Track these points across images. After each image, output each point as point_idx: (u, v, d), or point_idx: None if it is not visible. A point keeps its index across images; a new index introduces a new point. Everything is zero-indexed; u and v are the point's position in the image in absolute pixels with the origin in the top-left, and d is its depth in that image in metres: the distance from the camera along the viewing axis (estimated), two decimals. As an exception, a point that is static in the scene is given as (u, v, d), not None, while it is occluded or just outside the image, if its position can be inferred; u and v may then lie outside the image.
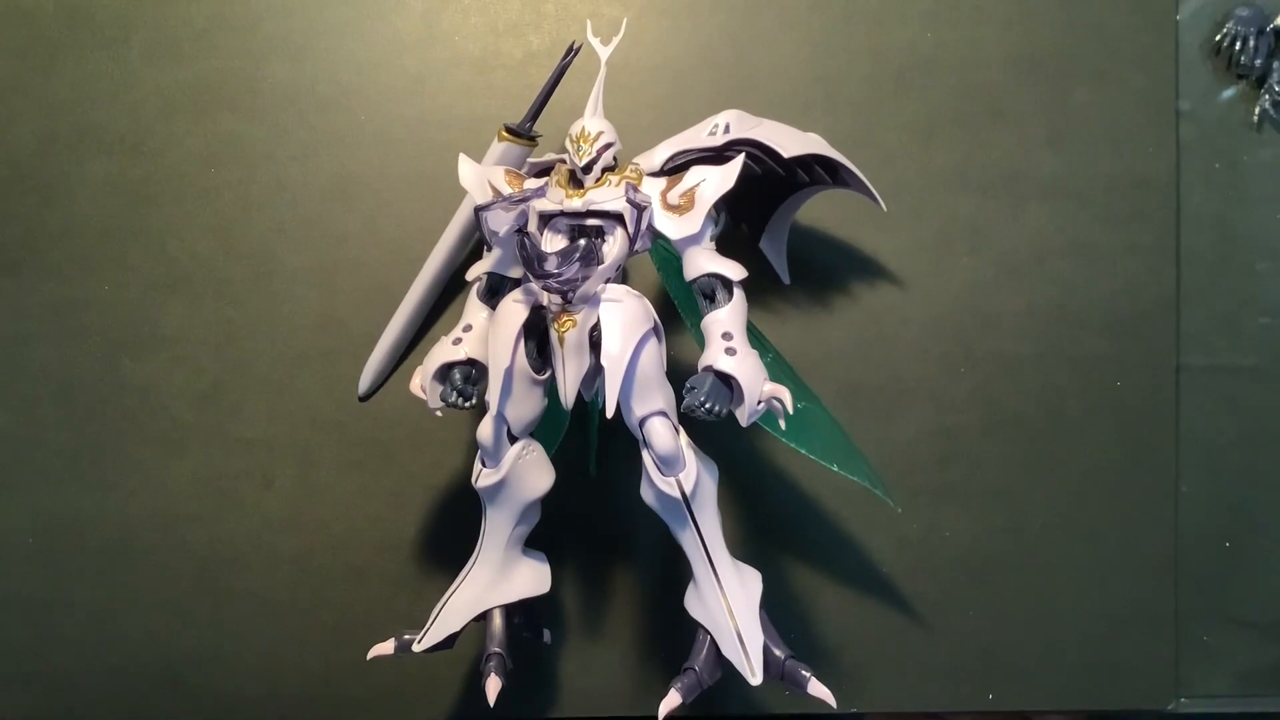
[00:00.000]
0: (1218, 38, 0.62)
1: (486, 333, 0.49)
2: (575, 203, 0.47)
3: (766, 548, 0.60)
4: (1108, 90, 0.62)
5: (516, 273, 0.50)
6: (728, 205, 0.50)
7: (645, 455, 0.47)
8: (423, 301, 0.60)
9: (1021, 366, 0.62)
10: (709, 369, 0.46)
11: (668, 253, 0.52)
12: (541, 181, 0.49)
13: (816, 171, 0.53)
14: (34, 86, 0.62)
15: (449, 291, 0.61)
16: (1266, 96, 0.62)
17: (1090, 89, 0.62)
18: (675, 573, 0.54)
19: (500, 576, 0.51)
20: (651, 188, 0.48)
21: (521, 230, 0.48)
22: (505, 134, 0.55)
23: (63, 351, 0.61)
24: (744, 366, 0.46)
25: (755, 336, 0.51)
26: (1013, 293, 0.62)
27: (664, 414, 0.47)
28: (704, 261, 0.47)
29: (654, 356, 0.47)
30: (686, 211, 0.47)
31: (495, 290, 0.51)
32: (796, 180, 0.54)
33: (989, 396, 0.61)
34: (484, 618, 0.52)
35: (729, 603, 0.49)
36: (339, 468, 0.61)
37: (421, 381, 0.50)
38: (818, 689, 0.49)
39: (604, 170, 0.47)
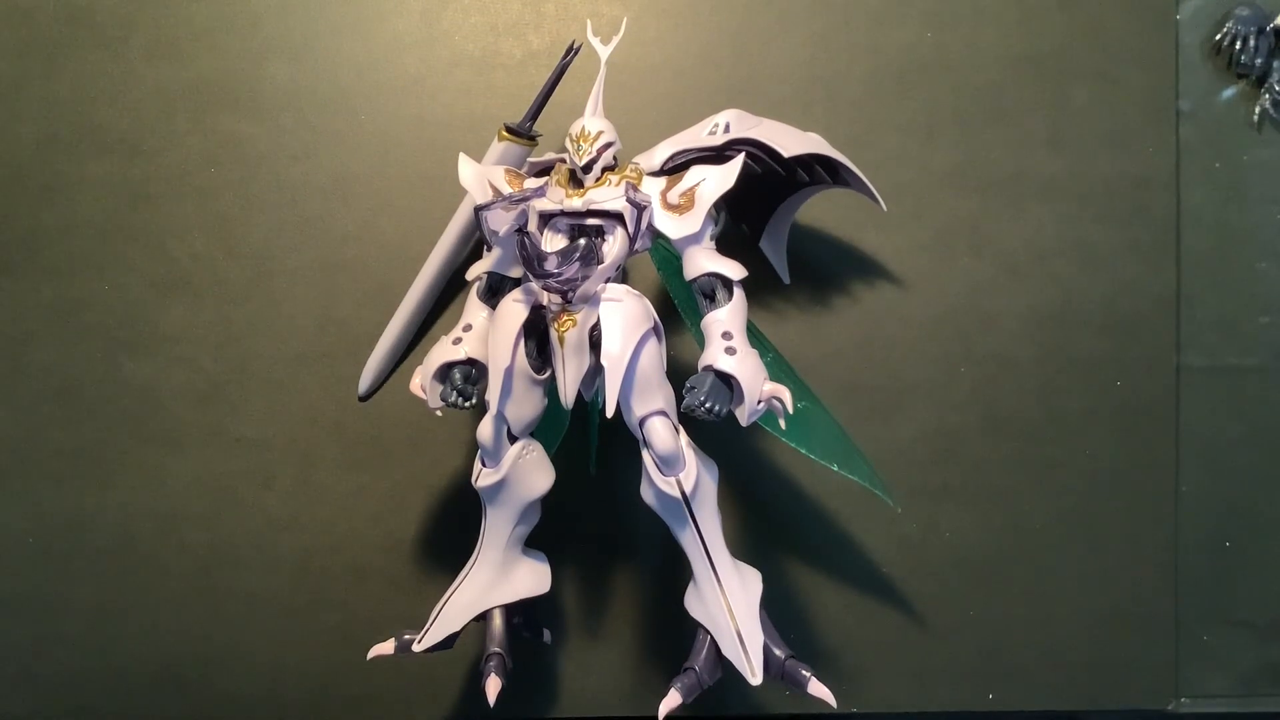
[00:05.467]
0: (1218, 38, 0.62)
1: (486, 332, 0.49)
2: (575, 202, 0.47)
3: (766, 548, 0.60)
4: (1108, 90, 0.62)
5: (516, 272, 0.50)
6: (728, 205, 0.50)
7: (645, 455, 0.47)
8: (423, 301, 0.60)
9: (1021, 366, 0.62)
10: (709, 369, 0.46)
11: (668, 252, 0.52)
12: (541, 181, 0.49)
13: (816, 171, 0.53)
14: (34, 86, 0.62)
15: (449, 291, 0.61)
16: (1266, 96, 0.62)
17: (1090, 89, 0.62)
18: (675, 573, 0.54)
19: (500, 576, 0.51)
20: (651, 187, 0.48)
21: (521, 230, 0.48)
22: (505, 133, 0.55)
23: (63, 351, 0.61)
24: (744, 366, 0.46)
25: (755, 336, 0.51)
26: (1013, 293, 0.62)
27: (664, 414, 0.47)
28: (704, 261, 0.47)
29: (654, 356, 0.47)
30: (686, 211, 0.47)
31: (495, 290, 0.51)
32: (796, 180, 0.54)
33: (989, 396, 0.61)
34: (484, 618, 0.52)
35: (729, 603, 0.49)
36: (339, 468, 0.61)
37: (421, 381, 0.50)
38: (818, 689, 0.49)
39: (604, 170, 0.47)
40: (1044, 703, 0.62)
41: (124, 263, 0.61)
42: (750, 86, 0.61)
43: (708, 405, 0.45)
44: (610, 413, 0.45)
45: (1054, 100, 0.62)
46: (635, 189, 0.47)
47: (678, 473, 0.47)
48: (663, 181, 0.48)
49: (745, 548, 0.60)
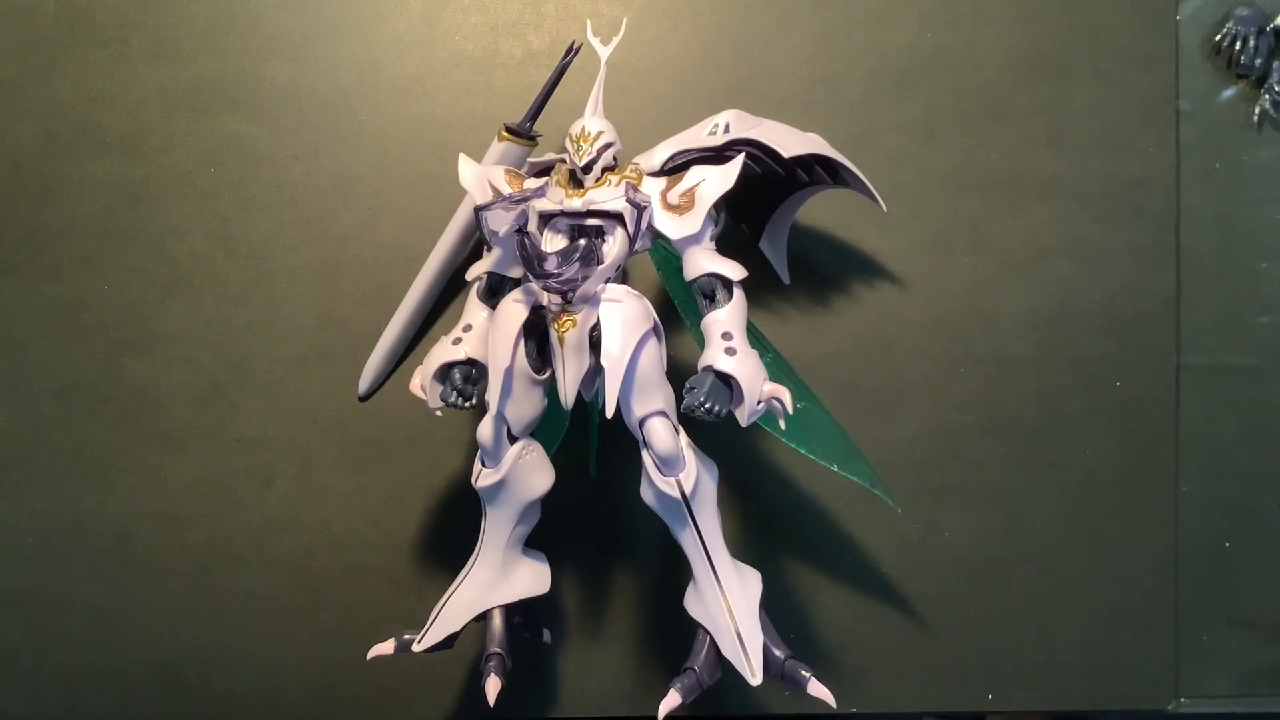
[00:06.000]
0: (1218, 38, 0.62)
1: (486, 333, 0.49)
2: (575, 202, 0.47)
3: (766, 548, 0.60)
4: (1108, 90, 0.62)
5: (516, 272, 0.50)
6: (728, 205, 0.50)
7: (645, 455, 0.47)
8: (423, 301, 0.60)
9: (1021, 366, 0.62)
10: (709, 369, 0.46)
11: (668, 252, 0.52)
12: (541, 181, 0.49)
13: (816, 171, 0.53)
14: (34, 86, 0.62)
15: (449, 291, 0.61)
16: (1266, 96, 0.62)
17: (1090, 89, 0.62)
18: (675, 573, 0.54)
19: (500, 576, 0.51)
20: (651, 187, 0.48)
21: (521, 230, 0.47)
22: (505, 134, 0.55)
23: (63, 351, 0.61)
24: (744, 366, 0.46)
25: (755, 336, 0.51)
26: (1013, 293, 0.62)
27: (664, 414, 0.47)
28: (704, 261, 0.47)
29: (654, 356, 0.47)
30: (686, 211, 0.47)
31: (495, 290, 0.51)
32: (796, 180, 0.54)
33: (989, 396, 0.61)
34: (484, 618, 0.52)
35: (729, 603, 0.49)
36: (339, 468, 0.61)
37: (421, 381, 0.50)
38: (817, 689, 0.49)
39: (604, 170, 0.47)
40: (1044, 703, 0.62)
41: (124, 263, 0.61)
42: (750, 86, 0.61)
43: (708, 405, 0.45)
44: (610, 413, 0.45)
45: (1054, 100, 0.62)
46: (635, 189, 0.47)
47: (677, 473, 0.47)
48: (663, 182, 0.48)
49: (745, 548, 0.60)
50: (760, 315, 0.59)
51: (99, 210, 0.61)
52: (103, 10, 0.62)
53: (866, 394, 0.61)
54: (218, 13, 0.62)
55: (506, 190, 0.48)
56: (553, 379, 0.48)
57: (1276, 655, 0.62)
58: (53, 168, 0.61)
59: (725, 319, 0.47)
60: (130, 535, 0.61)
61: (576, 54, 0.54)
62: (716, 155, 0.50)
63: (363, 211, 0.61)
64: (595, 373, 0.47)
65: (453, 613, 0.51)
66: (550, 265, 0.45)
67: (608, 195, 0.46)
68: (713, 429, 0.47)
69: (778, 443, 0.52)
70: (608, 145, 0.47)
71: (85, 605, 0.61)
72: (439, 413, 0.50)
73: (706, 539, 0.48)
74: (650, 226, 0.47)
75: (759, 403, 0.46)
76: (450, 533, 0.60)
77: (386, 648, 0.52)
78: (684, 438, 0.48)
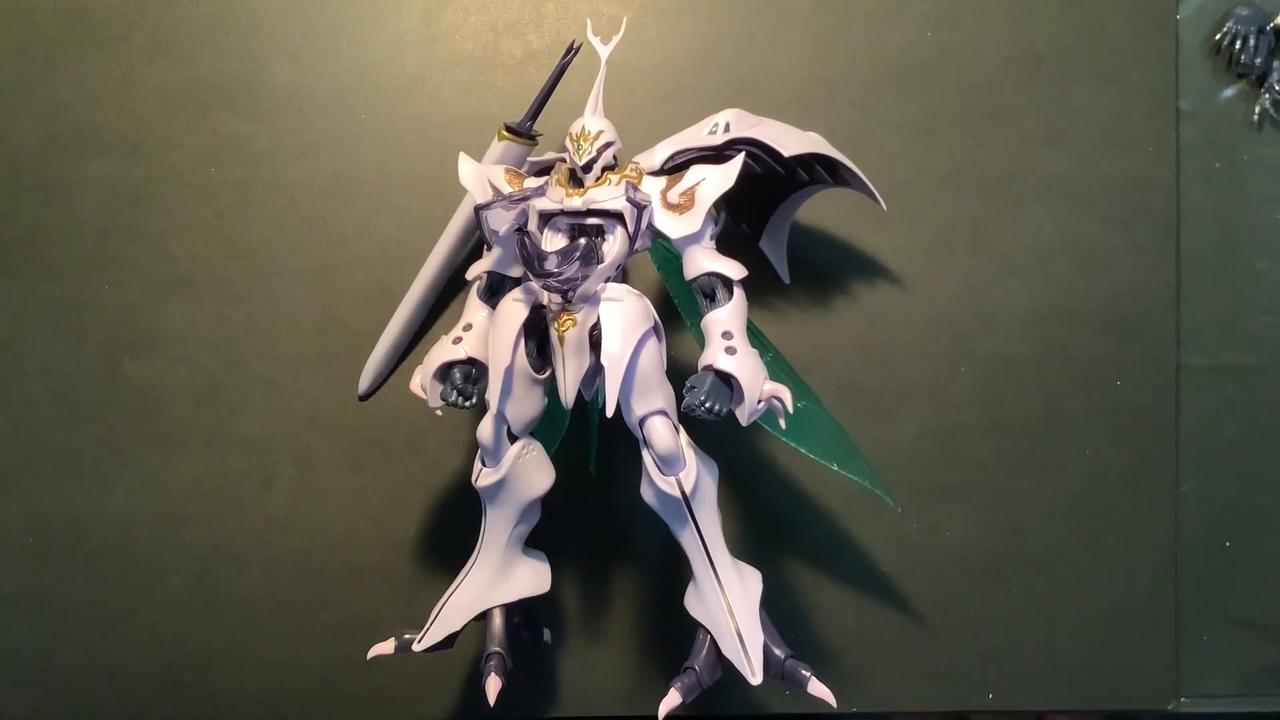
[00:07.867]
0: (1218, 37, 0.62)
1: (487, 332, 0.49)
2: (575, 202, 0.47)
3: (766, 548, 0.60)
4: (1108, 90, 0.62)
5: (517, 272, 0.50)
6: (728, 204, 0.50)
7: (645, 455, 0.47)
8: (423, 301, 0.60)
9: (1021, 366, 0.62)
10: (709, 368, 0.46)
11: (668, 252, 0.52)
12: (541, 180, 0.49)
13: (816, 170, 0.53)
14: (34, 86, 0.62)
15: (449, 291, 0.61)
16: (1266, 96, 0.62)
17: (1090, 89, 0.62)
18: (675, 573, 0.54)
19: (500, 576, 0.51)
20: (651, 186, 0.48)
21: (521, 229, 0.48)
22: (505, 133, 0.55)
23: (63, 351, 0.61)
24: (744, 366, 0.46)
25: (755, 336, 0.51)
26: (1013, 293, 0.62)
27: (664, 413, 0.47)
28: (704, 260, 0.47)
29: (654, 356, 0.47)
30: (686, 210, 0.47)
31: (495, 289, 0.51)
32: (796, 179, 0.54)
33: (989, 396, 0.61)
34: (484, 617, 0.52)
35: (729, 602, 0.49)
36: (339, 468, 0.61)
37: (421, 381, 0.50)
38: (818, 688, 0.49)
39: (604, 169, 0.47)
40: (1044, 703, 0.62)
41: (124, 263, 0.61)
42: (750, 86, 0.61)
43: (708, 405, 0.45)
44: (610, 412, 0.45)
45: (1054, 100, 0.62)
46: (635, 188, 0.47)
47: (678, 472, 0.47)
48: (663, 181, 0.48)
49: (745, 548, 0.60)
50: (760, 315, 0.59)
51: (99, 210, 0.61)
52: (103, 10, 0.62)
53: (866, 394, 0.61)
54: (218, 13, 0.62)
55: (506, 189, 0.48)
56: (553, 378, 0.48)
57: (1276, 655, 0.62)
58: (53, 168, 0.61)
59: (725, 318, 0.47)
60: (130, 535, 0.61)
61: (576, 53, 0.54)
62: (716, 154, 0.50)
63: (363, 211, 0.61)
64: (595, 372, 0.47)
65: (453, 612, 0.51)
66: (550, 264, 0.45)
67: (608, 194, 0.46)
68: (713, 428, 0.47)
69: (778, 442, 0.52)
70: (608, 144, 0.47)
71: (85, 605, 0.61)
72: (439, 412, 0.50)
73: (706, 538, 0.48)
74: (650, 226, 0.47)
75: (759, 402, 0.46)
76: (450, 533, 0.60)
77: (386, 648, 0.52)
78: (684, 437, 0.48)
